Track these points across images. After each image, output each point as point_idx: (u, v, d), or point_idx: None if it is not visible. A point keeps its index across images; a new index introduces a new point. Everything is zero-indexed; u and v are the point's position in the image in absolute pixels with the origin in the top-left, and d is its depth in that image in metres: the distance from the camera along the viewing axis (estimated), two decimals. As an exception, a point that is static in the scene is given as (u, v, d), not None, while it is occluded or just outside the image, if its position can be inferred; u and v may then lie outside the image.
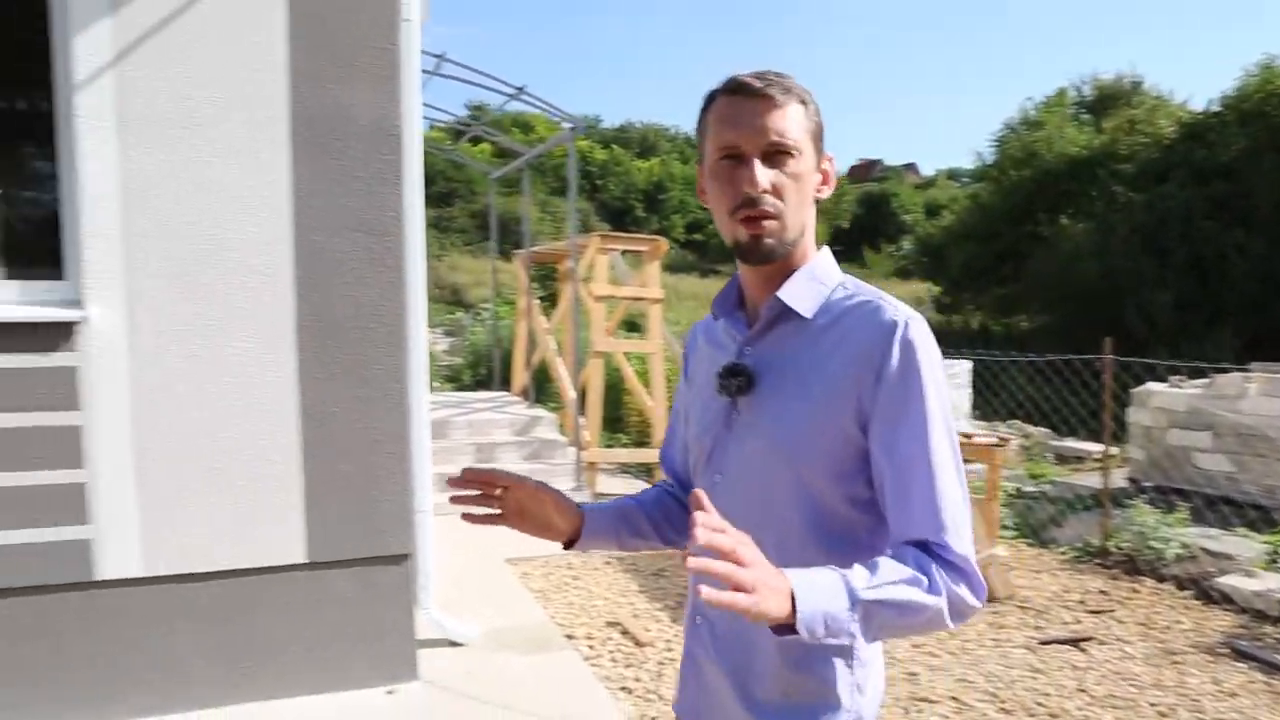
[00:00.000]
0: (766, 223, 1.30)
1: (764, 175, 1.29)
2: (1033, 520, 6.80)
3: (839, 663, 1.33)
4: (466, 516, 1.45)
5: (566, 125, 7.84)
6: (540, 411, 8.55)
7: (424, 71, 7.16)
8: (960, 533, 1.24)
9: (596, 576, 5.51)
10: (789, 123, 1.30)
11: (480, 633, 4.33)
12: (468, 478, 1.42)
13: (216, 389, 3.47)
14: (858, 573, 1.15)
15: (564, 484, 7.33)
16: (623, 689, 3.95)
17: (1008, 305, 24.93)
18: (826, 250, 1.42)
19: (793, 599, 1.07)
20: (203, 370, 3.44)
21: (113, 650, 3.46)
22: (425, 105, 8.67)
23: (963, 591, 1.21)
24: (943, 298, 28.27)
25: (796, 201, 1.32)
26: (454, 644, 4.16)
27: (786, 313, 1.35)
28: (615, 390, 9.87)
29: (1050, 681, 4.11)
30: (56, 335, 3.31)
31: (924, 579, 1.18)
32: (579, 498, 7.01)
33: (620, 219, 44.88)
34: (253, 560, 3.56)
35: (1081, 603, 5.17)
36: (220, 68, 3.42)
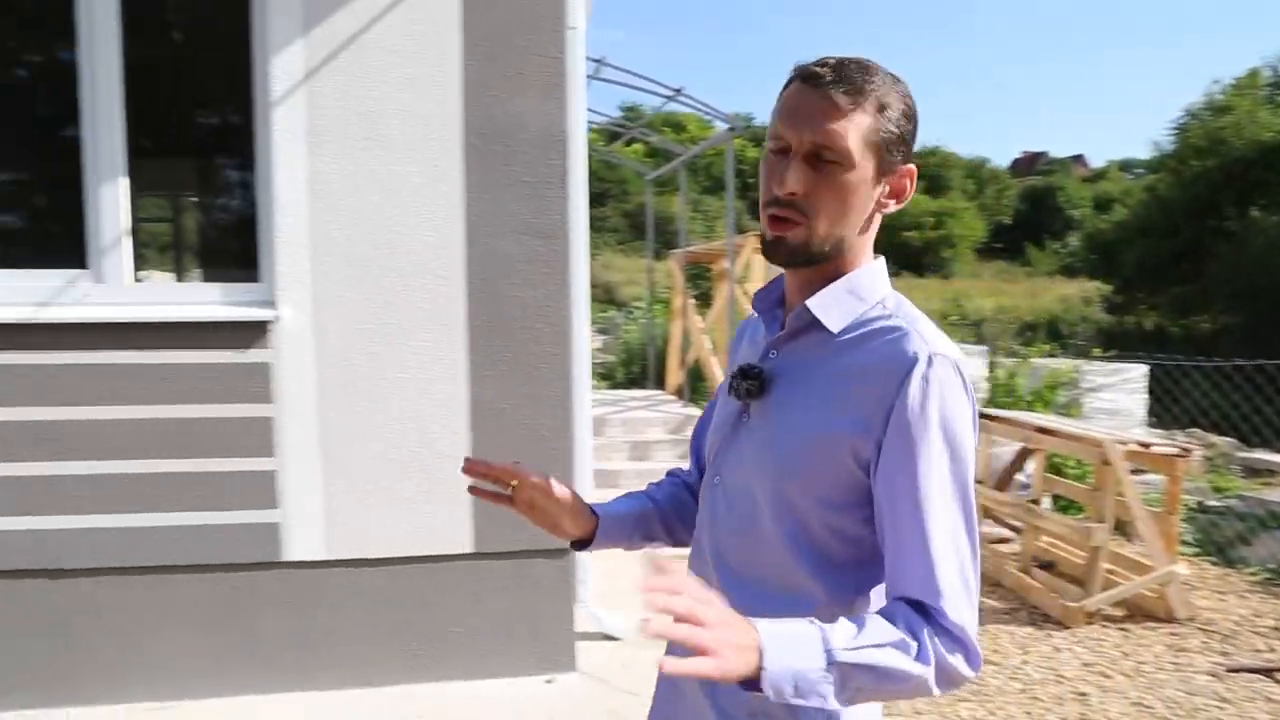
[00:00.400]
0: (789, 226, 1.22)
1: (798, 177, 1.19)
2: (1217, 537, 6.35)
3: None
4: (474, 490, 1.44)
5: (723, 125, 7.85)
6: (695, 410, 8.61)
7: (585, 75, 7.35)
8: (958, 599, 1.13)
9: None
10: (846, 129, 1.18)
11: (633, 627, 4.41)
12: (467, 470, 1.37)
13: (394, 385, 3.68)
14: (840, 629, 1.06)
15: (716, 483, 7.35)
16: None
17: (1187, 305, 23.39)
18: (879, 263, 1.30)
19: (761, 656, 1.00)
20: (381, 367, 3.65)
21: (296, 626, 3.72)
22: (591, 110, 8.89)
23: (956, 661, 1.11)
24: (1113, 297, 26.76)
25: (835, 211, 1.20)
26: (610, 638, 4.26)
27: (814, 323, 1.25)
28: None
29: (1240, 713, 3.84)
30: (253, 333, 3.58)
31: (913, 644, 1.09)
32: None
33: (772, 217, 44.60)
34: (423, 548, 3.75)
35: (1276, 629, 4.80)
36: (400, 82, 3.62)
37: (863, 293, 1.26)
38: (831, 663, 1.04)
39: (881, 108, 1.20)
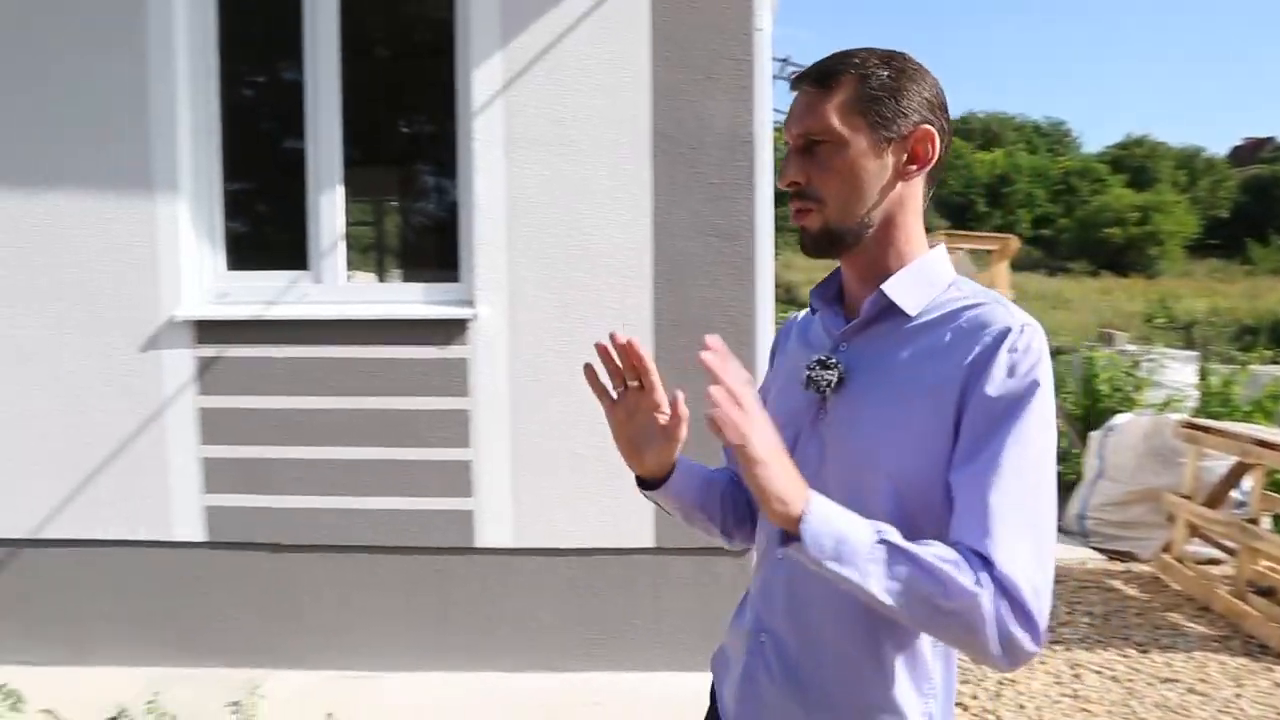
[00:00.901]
0: (807, 214, 1.26)
1: (795, 167, 1.25)
2: None
3: (914, 693, 1.22)
4: (588, 368, 1.41)
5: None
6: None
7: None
8: (1023, 563, 1.07)
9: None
10: (823, 109, 1.22)
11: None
12: (619, 343, 1.34)
13: (582, 381, 3.80)
14: (892, 530, 1.08)
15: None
16: (958, 704, 3.83)
17: None
18: (941, 247, 1.31)
19: (807, 502, 1.03)
20: (571, 363, 3.79)
21: (485, 609, 3.92)
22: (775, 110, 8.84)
23: (1015, 628, 1.06)
24: (1354, 296, 24.10)
25: (840, 188, 1.23)
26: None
27: (890, 309, 1.25)
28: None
29: None
30: (452, 330, 3.80)
31: (971, 572, 1.06)
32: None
33: (960, 215, 42.82)
34: (606, 541, 3.87)
35: None
36: (591, 89, 3.73)
37: (935, 277, 1.27)
38: (881, 540, 1.05)
39: (862, 79, 1.23)
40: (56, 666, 3.96)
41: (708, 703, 1.55)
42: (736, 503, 1.53)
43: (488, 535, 3.87)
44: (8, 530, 3.98)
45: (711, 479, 1.50)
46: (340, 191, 3.94)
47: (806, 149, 1.25)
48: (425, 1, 4.16)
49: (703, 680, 3.89)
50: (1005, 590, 1.06)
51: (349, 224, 4.05)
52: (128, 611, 3.99)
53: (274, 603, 3.97)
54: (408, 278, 4.12)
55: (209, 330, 3.89)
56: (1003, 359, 1.15)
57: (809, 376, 1.29)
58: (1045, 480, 1.14)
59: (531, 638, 3.91)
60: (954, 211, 43.13)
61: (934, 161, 1.26)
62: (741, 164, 3.75)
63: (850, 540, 1.04)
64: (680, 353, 3.77)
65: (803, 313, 1.51)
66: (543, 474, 3.84)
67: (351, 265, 4.11)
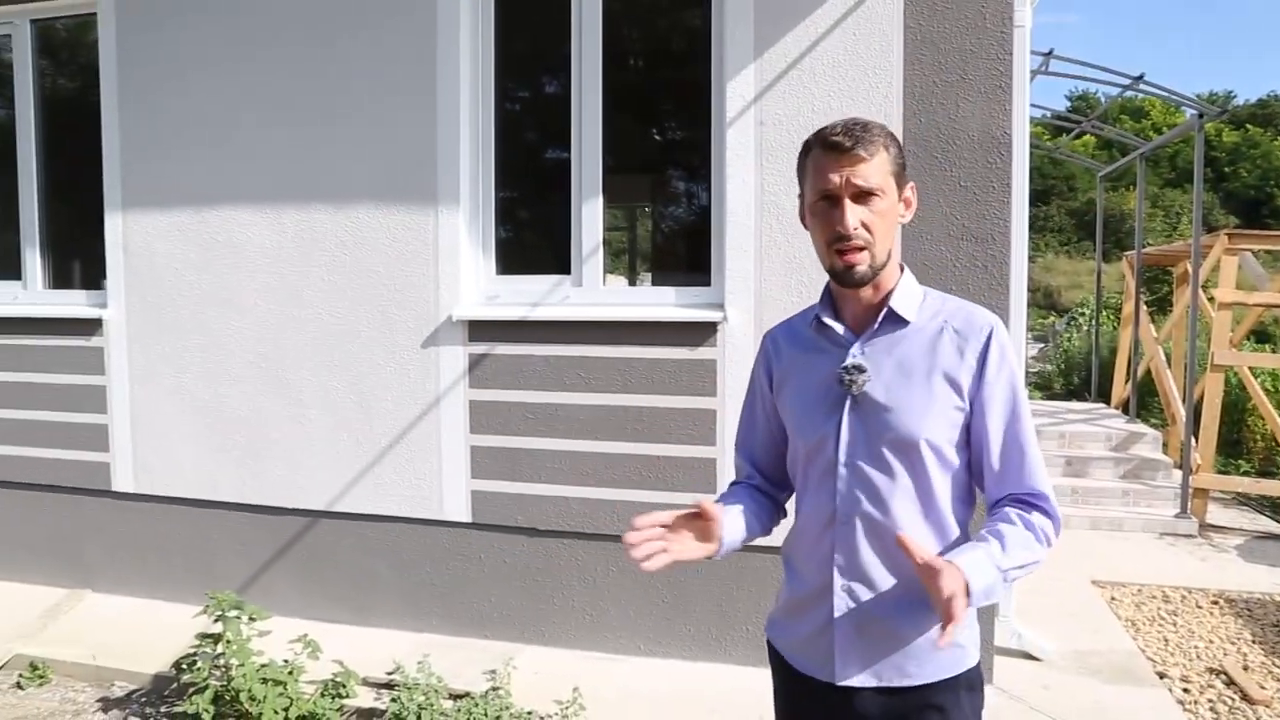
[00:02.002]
0: (857, 254, 1.61)
1: (854, 215, 1.59)
2: None
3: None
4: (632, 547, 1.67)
5: (1191, 112, 7.02)
6: (1142, 427, 7.81)
7: (1030, 71, 6.98)
8: (1047, 483, 1.66)
9: (1200, 616, 4.92)
10: (873, 170, 1.58)
11: (1060, 651, 4.17)
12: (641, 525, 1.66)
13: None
14: (997, 550, 1.55)
15: (1164, 509, 6.63)
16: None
17: None
18: (908, 270, 1.73)
19: (966, 584, 1.44)
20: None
21: (724, 603, 4.03)
22: (1038, 106, 8.42)
23: (1051, 531, 1.64)
24: None
25: (883, 231, 1.62)
26: (1031, 658, 4.06)
27: (894, 319, 1.68)
28: (1235, 410, 8.62)
29: None
30: (702, 333, 3.94)
31: (1035, 536, 1.61)
32: (1183, 526, 6.31)
33: (1253, 211, 38.35)
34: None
35: None
36: (841, 97, 3.75)
37: (914, 291, 1.72)
38: (1003, 574, 1.55)
39: (887, 148, 1.62)
40: (341, 625, 4.47)
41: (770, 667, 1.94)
42: (761, 509, 1.90)
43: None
44: (309, 502, 4.53)
45: (743, 511, 1.85)
46: (600, 201, 4.19)
47: (859, 199, 1.59)
48: (681, 15, 4.33)
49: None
50: (1051, 516, 1.65)
51: (609, 230, 4.31)
52: (402, 581, 4.43)
53: (529, 583, 4.27)
54: (659, 282, 4.30)
55: (480, 329, 4.25)
56: (995, 351, 1.65)
57: (845, 379, 1.67)
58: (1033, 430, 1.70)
59: (763, 633, 3.97)
60: (1244, 207, 38.56)
61: (914, 208, 1.72)
62: (996, 166, 3.64)
63: (992, 587, 1.52)
64: (927, 359, 3.71)
65: (776, 326, 1.91)
66: (783, 475, 3.89)
67: (607, 269, 4.35)
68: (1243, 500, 7.53)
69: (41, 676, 4.10)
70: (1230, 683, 4.09)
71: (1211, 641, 4.58)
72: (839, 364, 1.69)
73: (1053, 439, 7.29)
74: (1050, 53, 6.61)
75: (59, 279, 5.18)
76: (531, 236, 4.55)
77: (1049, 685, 3.85)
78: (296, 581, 4.58)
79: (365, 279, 4.37)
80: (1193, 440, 6.79)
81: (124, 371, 4.80)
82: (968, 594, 1.43)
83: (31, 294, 5.12)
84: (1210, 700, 3.93)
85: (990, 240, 3.67)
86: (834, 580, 1.69)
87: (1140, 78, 6.64)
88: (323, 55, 4.36)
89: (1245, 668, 4.25)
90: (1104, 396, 10.03)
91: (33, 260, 5.11)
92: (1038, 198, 37.46)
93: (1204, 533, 6.47)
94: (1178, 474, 6.86)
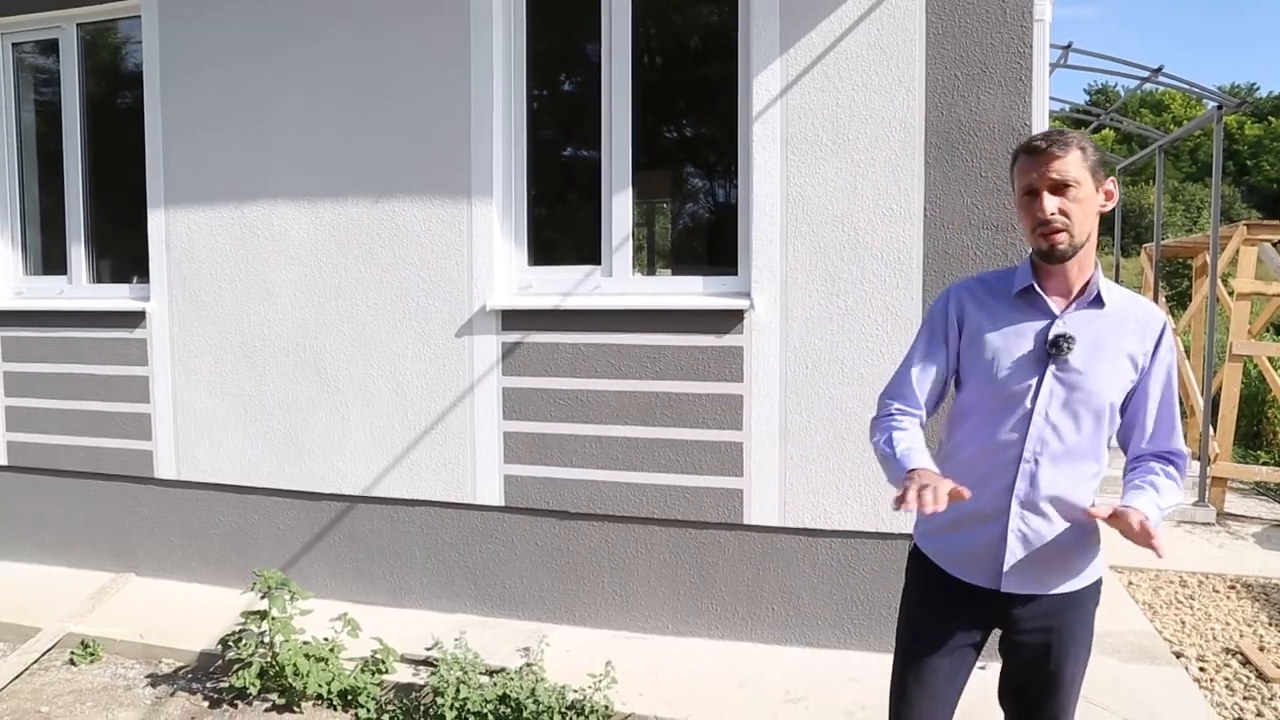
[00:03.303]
0: (1058, 235, 1.98)
1: (1051, 203, 1.96)
2: None
3: (1098, 548, 2.13)
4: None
5: (1211, 104, 7.07)
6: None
7: (1049, 64, 7.05)
8: (1185, 449, 2.08)
9: (1216, 600, 5.00)
10: (1068, 165, 1.95)
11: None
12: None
13: (849, 370, 3.94)
14: (1155, 495, 1.97)
15: (1182, 498, 6.69)
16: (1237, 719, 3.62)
17: None
18: (1098, 262, 2.11)
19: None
20: (839, 353, 3.94)
21: (750, 583, 4.14)
22: (1055, 99, 8.48)
23: (1182, 480, 2.06)
24: None
25: (1080, 216, 1.98)
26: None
27: (1097, 300, 2.04)
28: (1255, 402, 8.65)
29: None
30: (729, 321, 4.05)
31: (1178, 484, 2.05)
32: (1201, 514, 6.38)
33: (1276, 204, 37.99)
34: (868, 525, 3.98)
35: None
36: (864, 90, 3.86)
37: (1104, 281, 2.06)
38: (1161, 510, 1.96)
39: (1082, 150, 1.98)
40: (377, 606, 4.61)
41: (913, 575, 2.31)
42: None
43: (755, 513, 4.09)
44: (346, 488, 4.68)
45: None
46: (630, 192, 4.31)
47: (1057, 190, 1.97)
48: (709, 12, 4.45)
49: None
50: (1182, 469, 2.06)
51: (638, 222, 4.43)
52: (437, 564, 4.57)
53: (559, 565, 4.40)
54: (688, 271, 4.42)
55: (513, 319, 4.38)
56: (1166, 341, 2.05)
57: (1059, 345, 2.01)
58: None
59: (792, 612, 4.09)
60: (1268, 201, 38.12)
61: (1115, 200, 2.08)
62: (1017, 157, 3.73)
63: (1159, 521, 1.91)
64: (949, 345, 3.81)
65: (963, 282, 2.21)
66: (809, 458, 4.01)
67: (642, 259, 4.47)
68: (1262, 490, 7.57)
69: (92, 654, 4.26)
70: (1246, 662, 4.17)
71: (1228, 624, 4.66)
72: (1042, 328, 2.04)
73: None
74: (1069, 46, 6.68)
75: (103, 273, 5.35)
76: (563, 228, 4.67)
77: (1071, 664, 3.95)
78: (334, 564, 4.73)
79: (401, 270, 4.51)
80: (1211, 430, 6.85)
81: (166, 362, 4.96)
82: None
83: (77, 288, 5.29)
84: (1226, 678, 4.02)
85: (1009, 229, 3.77)
86: (1011, 506, 2.05)
87: (1159, 70, 6.71)
88: (359, 53, 4.50)
89: (1261, 648, 4.33)
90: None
91: (78, 256, 5.28)
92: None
93: (1222, 521, 6.54)
94: (1196, 464, 6.91)
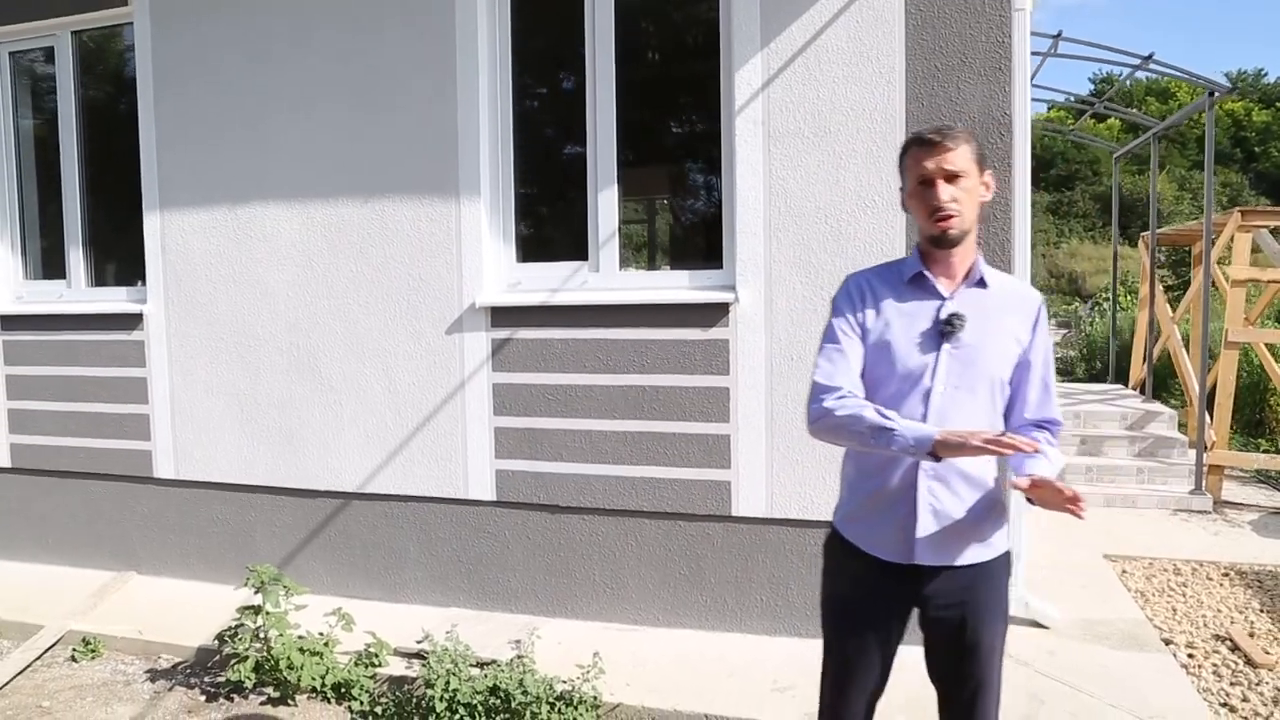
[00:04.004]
0: (951, 220, 2.12)
1: (946, 191, 2.11)
2: None
3: (1004, 515, 2.25)
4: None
5: (1207, 90, 7.06)
6: (1158, 406, 7.86)
7: (1037, 54, 7.05)
8: (1059, 413, 2.26)
9: (1209, 587, 5.01)
10: (959, 157, 2.11)
11: (1067, 619, 4.28)
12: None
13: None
14: (1050, 465, 2.09)
15: (1179, 486, 6.70)
16: (1225, 705, 3.63)
17: None
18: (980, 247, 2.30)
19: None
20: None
21: (739, 574, 4.18)
22: (1043, 87, 8.47)
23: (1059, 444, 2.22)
24: None
25: (969, 206, 2.15)
26: (1039, 625, 4.18)
27: (981, 282, 2.20)
28: (1256, 390, 8.63)
29: None
30: (715, 314, 4.09)
31: (1057, 447, 2.21)
32: (1197, 502, 6.38)
33: (1286, 190, 37.72)
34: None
35: None
36: (845, 83, 3.89)
37: (986, 265, 2.23)
38: (1056, 474, 2.08)
39: (969, 143, 2.15)
40: (373, 601, 4.67)
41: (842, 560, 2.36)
42: None
43: (743, 505, 4.13)
44: (341, 484, 4.73)
45: None
46: (616, 189, 4.35)
47: (949, 179, 2.11)
48: (691, 8, 4.47)
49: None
50: (1057, 433, 2.24)
51: (622, 218, 4.46)
52: (430, 558, 4.62)
53: (551, 558, 4.45)
54: (673, 266, 4.46)
55: (502, 315, 4.42)
56: (1042, 317, 2.23)
57: (949, 324, 2.15)
58: None
59: (780, 603, 4.12)
60: (1277, 188, 37.89)
61: (993, 190, 2.25)
62: (997, 147, 3.76)
63: (1054, 471, 2.09)
64: (932, 335, 3.84)
65: (860, 274, 2.32)
66: (796, 449, 4.04)
67: (628, 255, 4.51)
68: (1263, 478, 7.57)
69: (93, 651, 4.33)
70: (1235, 648, 4.18)
71: (1220, 610, 4.67)
72: (934, 310, 2.18)
73: (1067, 419, 7.35)
74: (1059, 35, 6.68)
75: (101, 277, 5.41)
76: (550, 225, 4.71)
77: (1054, 651, 3.97)
78: (330, 560, 4.79)
79: (392, 269, 4.55)
80: (1207, 417, 6.85)
81: (163, 363, 5.02)
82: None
83: (75, 292, 5.36)
84: (1214, 664, 4.03)
85: (992, 219, 3.79)
86: (919, 481, 2.15)
87: (1150, 57, 6.69)
88: (347, 57, 4.55)
89: (1251, 634, 4.34)
90: (1124, 379, 10.07)
91: (76, 259, 5.35)
92: (1061, 183, 37.14)
93: (1219, 509, 6.54)
94: (1192, 452, 6.92)
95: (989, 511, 2.18)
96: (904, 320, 2.20)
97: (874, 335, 2.21)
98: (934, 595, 2.20)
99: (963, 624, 2.19)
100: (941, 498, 2.16)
